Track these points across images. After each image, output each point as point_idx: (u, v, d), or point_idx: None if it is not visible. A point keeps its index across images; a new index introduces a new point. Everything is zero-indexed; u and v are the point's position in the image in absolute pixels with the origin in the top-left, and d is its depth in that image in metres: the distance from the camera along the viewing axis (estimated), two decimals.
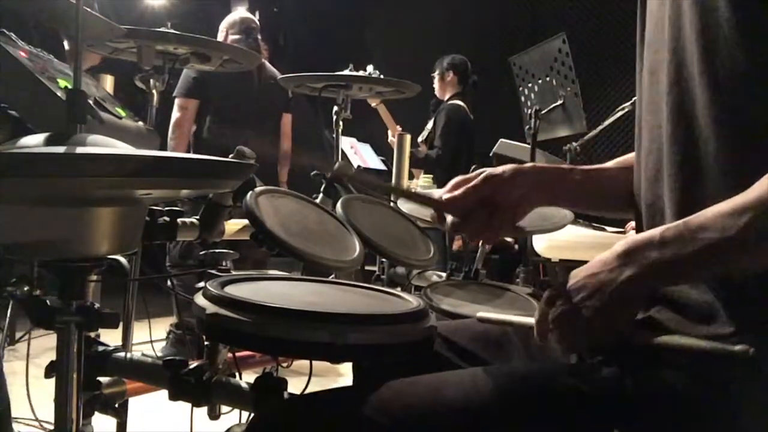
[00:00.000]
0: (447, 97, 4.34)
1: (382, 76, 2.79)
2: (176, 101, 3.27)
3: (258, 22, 3.51)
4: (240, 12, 3.74)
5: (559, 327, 0.77)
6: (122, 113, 1.29)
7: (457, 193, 0.92)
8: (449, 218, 0.94)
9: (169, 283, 1.58)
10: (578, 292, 0.75)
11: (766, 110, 0.67)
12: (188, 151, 3.27)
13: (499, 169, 0.92)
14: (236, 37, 3.36)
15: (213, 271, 1.21)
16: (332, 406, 0.80)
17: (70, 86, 0.97)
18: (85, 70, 2.18)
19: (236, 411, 1.09)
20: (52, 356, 1.03)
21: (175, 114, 3.28)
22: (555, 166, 0.98)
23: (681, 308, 0.77)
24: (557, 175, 0.97)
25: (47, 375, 1.05)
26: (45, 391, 1.25)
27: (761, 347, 0.69)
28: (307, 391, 1.00)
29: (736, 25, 0.71)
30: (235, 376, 1.10)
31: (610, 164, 1.02)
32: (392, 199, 1.43)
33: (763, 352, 0.70)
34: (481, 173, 0.93)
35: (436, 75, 4.37)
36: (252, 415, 1.00)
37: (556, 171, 0.97)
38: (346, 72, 2.68)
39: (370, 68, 3.08)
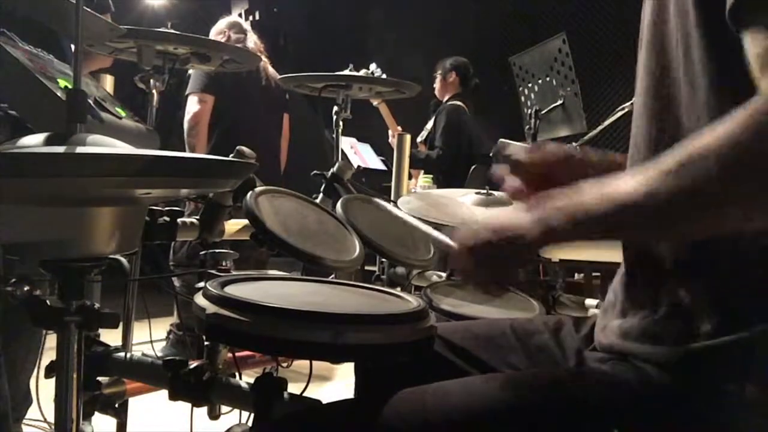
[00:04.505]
0: (447, 97, 4.34)
1: (385, 75, 2.78)
2: (192, 97, 3.21)
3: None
4: (231, 16, 3.76)
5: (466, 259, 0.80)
6: (122, 113, 1.29)
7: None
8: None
9: (171, 282, 1.58)
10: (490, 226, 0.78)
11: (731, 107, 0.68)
12: (209, 148, 3.21)
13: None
14: (239, 36, 3.37)
15: (213, 271, 1.21)
16: (336, 420, 0.81)
17: (70, 86, 0.97)
18: (92, 71, 2.19)
19: (236, 411, 1.09)
20: (52, 356, 1.03)
21: (193, 108, 3.19)
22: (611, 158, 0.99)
23: (667, 310, 0.78)
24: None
25: (47, 375, 1.05)
26: (44, 390, 1.25)
27: (746, 348, 0.70)
28: (307, 391, 1.01)
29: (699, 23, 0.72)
30: (235, 376, 1.10)
31: None
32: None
33: (750, 352, 0.71)
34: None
35: (438, 75, 4.37)
36: (252, 415, 1.00)
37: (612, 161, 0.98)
38: (346, 72, 2.68)
39: (373, 66, 3.08)
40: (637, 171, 0.69)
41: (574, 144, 2.90)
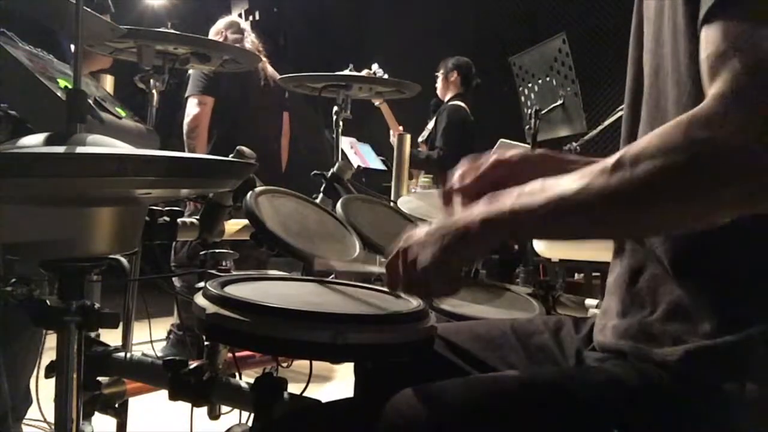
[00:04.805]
0: (448, 97, 4.34)
1: (386, 75, 2.78)
2: (192, 99, 3.21)
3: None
4: (229, 17, 3.77)
5: (407, 271, 0.78)
6: (122, 113, 1.29)
7: (467, 182, 0.92)
8: (457, 205, 0.94)
9: (171, 282, 1.58)
10: (429, 229, 0.78)
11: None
12: (209, 149, 3.21)
13: (507, 155, 0.93)
14: (236, 36, 3.37)
15: (213, 271, 1.21)
16: (336, 419, 0.81)
17: (70, 86, 0.97)
18: (92, 71, 2.19)
19: (236, 411, 1.09)
20: (52, 356, 1.03)
21: (192, 111, 3.19)
22: (560, 156, 0.98)
23: (666, 310, 0.78)
24: (562, 164, 0.95)
25: (47, 375, 1.05)
26: (44, 390, 1.25)
27: (745, 347, 0.70)
28: (307, 391, 1.01)
29: (685, 22, 0.72)
30: (235, 376, 1.10)
31: None
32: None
33: (749, 351, 0.71)
34: (490, 158, 0.93)
35: (440, 74, 4.38)
36: (252, 415, 1.00)
37: (560, 161, 0.97)
38: (346, 72, 2.68)
39: (375, 66, 3.07)
40: (584, 169, 0.69)
41: (574, 144, 2.91)
